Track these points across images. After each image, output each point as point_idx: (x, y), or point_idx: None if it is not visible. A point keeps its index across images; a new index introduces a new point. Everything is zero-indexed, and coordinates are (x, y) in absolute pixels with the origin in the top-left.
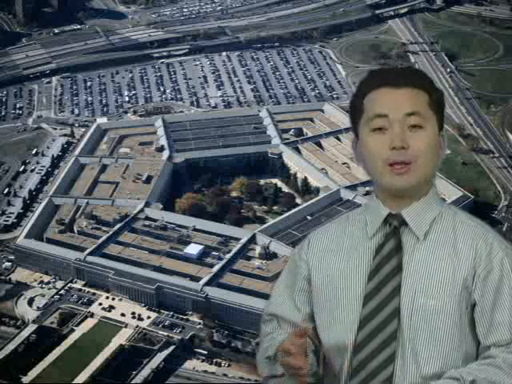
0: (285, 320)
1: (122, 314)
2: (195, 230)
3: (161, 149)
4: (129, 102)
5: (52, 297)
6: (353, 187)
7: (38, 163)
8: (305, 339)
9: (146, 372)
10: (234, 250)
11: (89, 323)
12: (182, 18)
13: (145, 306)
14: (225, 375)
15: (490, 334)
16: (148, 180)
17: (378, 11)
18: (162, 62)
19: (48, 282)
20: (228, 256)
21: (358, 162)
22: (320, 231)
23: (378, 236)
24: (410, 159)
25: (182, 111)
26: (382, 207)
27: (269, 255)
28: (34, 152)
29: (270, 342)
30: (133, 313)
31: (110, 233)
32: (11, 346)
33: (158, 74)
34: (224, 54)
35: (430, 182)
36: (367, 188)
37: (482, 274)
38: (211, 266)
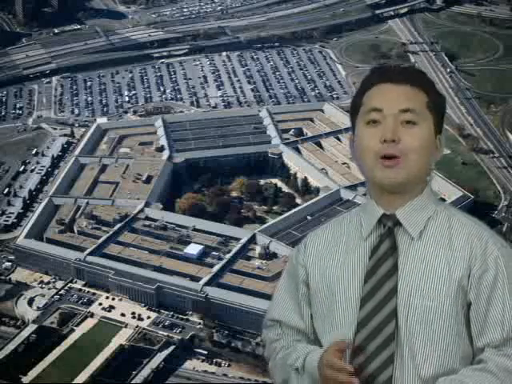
0: (288, 326)
1: (122, 314)
2: (195, 230)
3: (161, 149)
4: (129, 101)
5: (52, 297)
6: (353, 187)
7: (38, 163)
8: (344, 354)
9: (146, 372)
10: (234, 250)
11: (89, 323)
12: (182, 17)
13: (145, 306)
14: (225, 375)
15: (483, 334)
16: (148, 180)
17: (378, 11)
18: (162, 62)
19: (48, 282)
20: (228, 256)
21: (354, 160)
22: (316, 233)
23: (372, 237)
24: (399, 153)
25: (182, 111)
26: (376, 208)
27: (269, 255)
28: (34, 152)
29: (288, 351)
30: (133, 313)
31: (110, 233)
32: (11, 346)
33: (158, 74)
34: (224, 54)
35: (423, 180)
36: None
37: (476, 274)
38: (211, 266)
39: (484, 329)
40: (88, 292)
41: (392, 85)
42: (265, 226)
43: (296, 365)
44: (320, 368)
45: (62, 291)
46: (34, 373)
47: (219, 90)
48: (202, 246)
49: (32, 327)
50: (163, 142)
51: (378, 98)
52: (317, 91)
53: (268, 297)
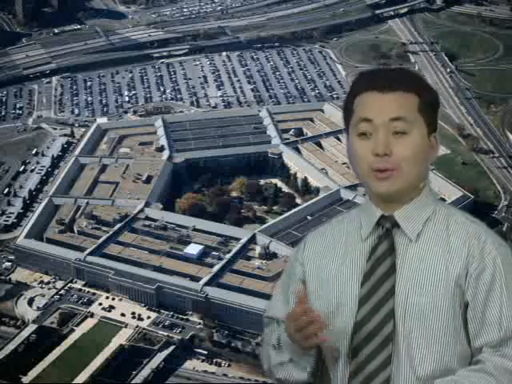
0: (282, 322)
1: (122, 314)
2: (195, 229)
3: (161, 149)
4: (129, 101)
5: (52, 297)
6: (353, 187)
7: (38, 163)
8: (308, 305)
9: (146, 372)
10: (234, 250)
11: (89, 323)
12: (182, 17)
13: (145, 306)
14: (225, 375)
15: (480, 334)
16: (148, 180)
17: (378, 11)
18: (162, 62)
19: (48, 282)
20: (228, 256)
21: (350, 164)
22: (316, 233)
23: (371, 238)
24: (393, 166)
25: (182, 111)
26: (374, 209)
27: (269, 255)
28: (33, 152)
29: (271, 334)
30: (133, 313)
31: (110, 233)
32: (11, 346)
33: (158, 74)
34: (224, 54)
35: (419, 184)
36: None
37: (474, 273)
38: (211, 266)
39: (481, 329)
40: (88, 292)
41: (381, 93)
42: (265, 226)
43: (272, 342)
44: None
45: (62, 291)
46: (34, 373)
47: (219, 90)
48: (201, 246)
49: (32, 327)
50: (163, 142)
51: (367, 108)
52: (317, 91)
53: (268, 297)
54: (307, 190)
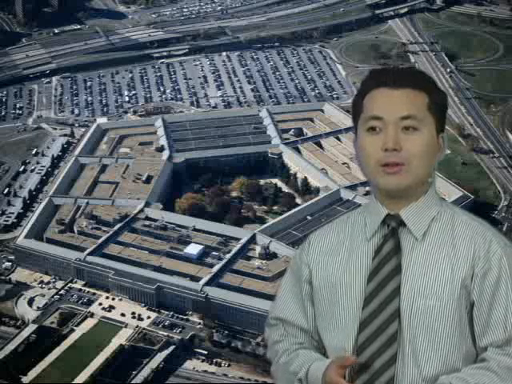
0: (291, 324)
1: (122, 314)
2: (195, 229)
3: (161, 149)
4: (129, 102)
5: (52, 297)
6: (353, 187)
7: (38, 163)
8: (346, 369)
9: (146, 372)
10: (234, 250)
11: (89, 323)
12: (182, 17)
13: (145, 306)
14: (225, 375)
15: (485, 333)
16: (148, 180)
17: (378, 11)
18: (162, 62)
19: (48, 282)
20: (228, 256)
21: (357, 162)
22: (320, 232)
23: (376, 237)
24: (402, 161)
25: (181, 111)
26: (380, 208)
27: (269, 255)
28: (34, 152)
29: (290, 357)
30: (133, 313)
31: (110, 233)
32: (11, 346)
33: (158, 74)
34: (224, 54)
35: (426, 182)
36: (367, 188)
37: (480, 273)
38: (211, 266)
39: (487, 328)
40: (88, 292)
41: (391, 90)
42: (265, 225)
43: (299, 376)
44: None
45: (62, 291)
46: (33, 373)
47: (219, 90)
48: (201, 246)
49: (32, 327)
50: (163, 141)
51: (377, 105)
52: (317, 91)
53: (268, 297)
54: (307, 189)
